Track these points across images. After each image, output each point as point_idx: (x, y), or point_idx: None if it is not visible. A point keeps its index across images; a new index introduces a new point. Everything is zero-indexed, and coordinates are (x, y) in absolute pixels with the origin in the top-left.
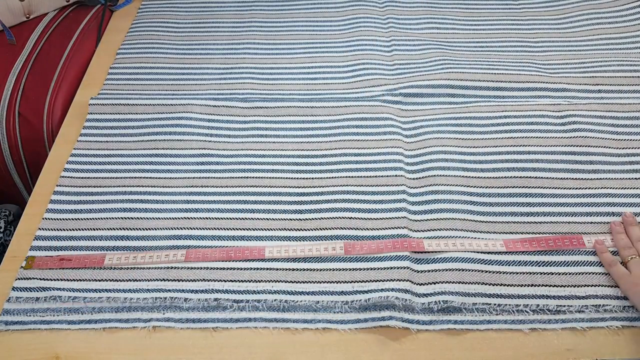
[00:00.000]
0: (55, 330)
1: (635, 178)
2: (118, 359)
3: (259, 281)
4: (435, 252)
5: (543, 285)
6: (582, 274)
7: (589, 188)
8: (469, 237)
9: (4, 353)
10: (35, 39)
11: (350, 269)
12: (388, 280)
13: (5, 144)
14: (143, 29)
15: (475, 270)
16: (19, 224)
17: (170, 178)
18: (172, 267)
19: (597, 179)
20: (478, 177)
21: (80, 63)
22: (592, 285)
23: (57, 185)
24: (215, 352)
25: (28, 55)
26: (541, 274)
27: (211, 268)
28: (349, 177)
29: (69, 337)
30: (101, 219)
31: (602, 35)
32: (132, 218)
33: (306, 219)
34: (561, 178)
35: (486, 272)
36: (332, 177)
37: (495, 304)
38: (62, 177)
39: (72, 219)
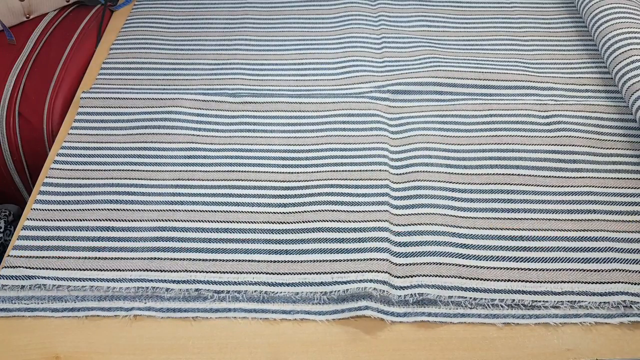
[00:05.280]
0: (52, 327)
1: (618, 178)
2: (118, 359)
3: (240, 272)
4: (415, 244)
5: (520, 280)
6: (560, 270)
7: (572, 186)
8: (449, 232)
9: None
10: (35, 39)
11: (330, 261)
12: (367, 271)
13: (5, 144)
14: (137, 25)
15: (453, 265)
16: (19, 224)
17: (157, 171)
18: (155, 258)
19: (579, 177)
20: (461, 173)
21: (80, 63)
22: (569, 282)
23: (46, 177)
24: (216, 352)
25: (28, 55)
26: (518, 269)
27: (193, 259)
28: (334, 171)
29: (70, 336)
30: (88, 210)
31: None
32: (118, 210)
33: (289, 212)
34: (544, 176)
35: (464, 266)
36: (317, 172)
37: (470, 298)
38: (52, 169)
39: (60, 210)
